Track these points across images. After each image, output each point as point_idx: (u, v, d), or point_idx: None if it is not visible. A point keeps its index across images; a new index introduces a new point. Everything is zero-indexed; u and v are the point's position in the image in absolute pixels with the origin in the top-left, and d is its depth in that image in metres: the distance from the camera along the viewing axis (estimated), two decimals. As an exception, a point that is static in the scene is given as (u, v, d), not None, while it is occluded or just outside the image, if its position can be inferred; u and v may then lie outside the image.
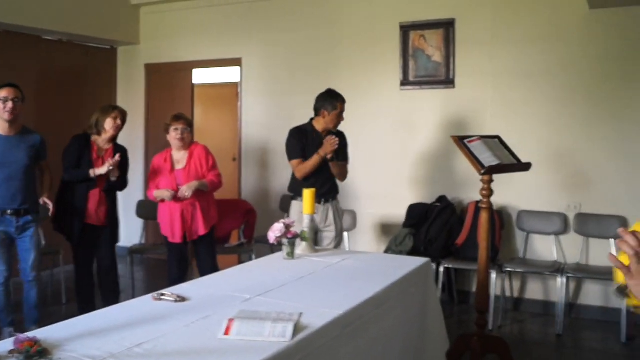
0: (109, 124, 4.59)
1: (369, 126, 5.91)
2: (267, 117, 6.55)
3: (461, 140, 3.91)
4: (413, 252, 5.19)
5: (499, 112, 5.46)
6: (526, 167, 4.12)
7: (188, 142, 4.71)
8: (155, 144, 7.01)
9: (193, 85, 7.18)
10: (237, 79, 6.81)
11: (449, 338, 3.57)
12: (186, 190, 4.50)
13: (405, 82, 5.83)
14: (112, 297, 4.64)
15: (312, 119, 4.59)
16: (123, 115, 4.69)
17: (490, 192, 3.86)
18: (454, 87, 5.63)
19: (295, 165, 4.46)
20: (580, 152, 5.21)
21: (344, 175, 4.67)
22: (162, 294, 2.52)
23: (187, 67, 7.09)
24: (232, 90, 7.16)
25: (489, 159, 3.85)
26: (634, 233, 1.39)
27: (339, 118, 4.51)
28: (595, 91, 5.15)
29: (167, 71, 7.19)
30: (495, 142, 4.16)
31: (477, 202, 5.25)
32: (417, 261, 3.41)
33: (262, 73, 6.60)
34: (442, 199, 5.57)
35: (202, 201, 4.64)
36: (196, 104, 7.25)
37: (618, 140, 5.08)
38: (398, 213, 5.69)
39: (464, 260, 5.18)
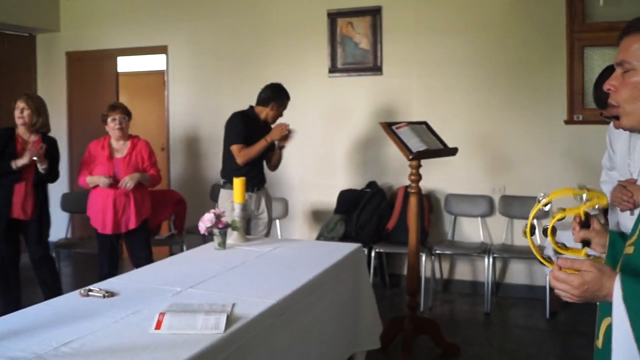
0: (15, 114, 4.45)
1: (298, 113, 5.85)
2: (194, 106, 6.45)
3: (389, 127, 3.97)
4: (344, 238, 5.25)
5: (424, 98, 5.56)
6: (453, 151, 4.22)
7: (127, 131, 4.65)
8: (78, 134, 6.80)
9: (117, 73, 6.97)
10: (163, 67, 6.66)
11: (382, 321, 3.63)
12: (128, 181, 4.44)
13: (333, 70, 5.85)
14: (53, 291, 4.45)
15: (252, 107, 4.55)
16: (30, 103, 4.49)
17: (419, 177, 3.94)
18: (381, 73, 5.70)
19: (237, 150, 4.36)
20: (503, 137, 5.38)
21: (279, 163, 4.70)
22: (90, 290, 2.45)
23: (111, 55, 6.87)
24: (158, 79, 6.99)
25: (416, 145, 3.92)
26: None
27: (281, 115, 4.55)
28: (515, 78, 5.31)
29: (90, 59, 6.94)
30: (423, 127, 4.23)
31: (406, 187, 5.34)
32: (349, 247, 3.44)
33: (189, 61, 6.48)
34: (372, 184, 5.64)
35: (136, 193, 4.56)
36: (121, 93, 7.04)
37: (537, 124, 5.27)
38: (329, 200, 5.73)
39: (395, 244, 5.27)
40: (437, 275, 5.53)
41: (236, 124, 4.43)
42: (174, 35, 6.49)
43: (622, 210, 2.70)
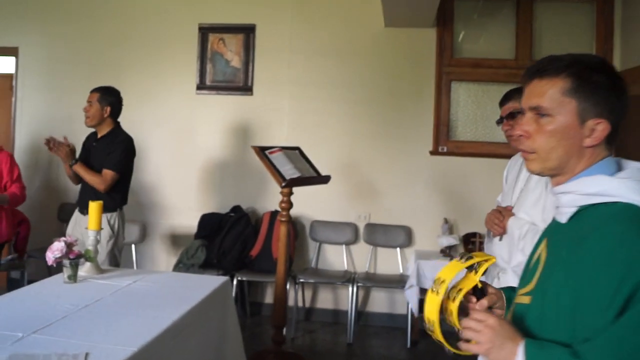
0: None
1: (161, 130, 5.56)
2: (46, 115, 5.84)
3: (262, 151, 3.81)
4: (205, 265, 4.99)
5: (295, 121, 5.46)
6: (326, 179, 4.13)
7: None
8: None
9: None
10: (11, 71, 6.01)
11: (245, 354, 3.42)
12: None
13: (201, 86, 5.58)
14: None
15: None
16: None
17: (290, 205, 3.81)
18: (251, 94, 5.52)
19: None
20: (369, 164, 5.40)
21: (96, 184, 3.89)
22: None
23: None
24: (5, 83, 6.31)
25: (290, 171, 3.80)
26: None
27: (87, 109, 4.04)
28: (384, 106, 5.37)
29: None
30: (296, 153, 4.12)
31: (273, 213, 5.20)
32: (216, 281, 3.20)
33: (42, 66, 5.87)
34: (236, 208, 5.42)
35: None
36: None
37: (403, 153, 5.35)
38: (190, 223, 5.42)
39: (258, 273, 5.07)
40: (300, 303, 5.40)
41: None
42: (26, 37, 5.88)
43: (493, 236, 2.73)
